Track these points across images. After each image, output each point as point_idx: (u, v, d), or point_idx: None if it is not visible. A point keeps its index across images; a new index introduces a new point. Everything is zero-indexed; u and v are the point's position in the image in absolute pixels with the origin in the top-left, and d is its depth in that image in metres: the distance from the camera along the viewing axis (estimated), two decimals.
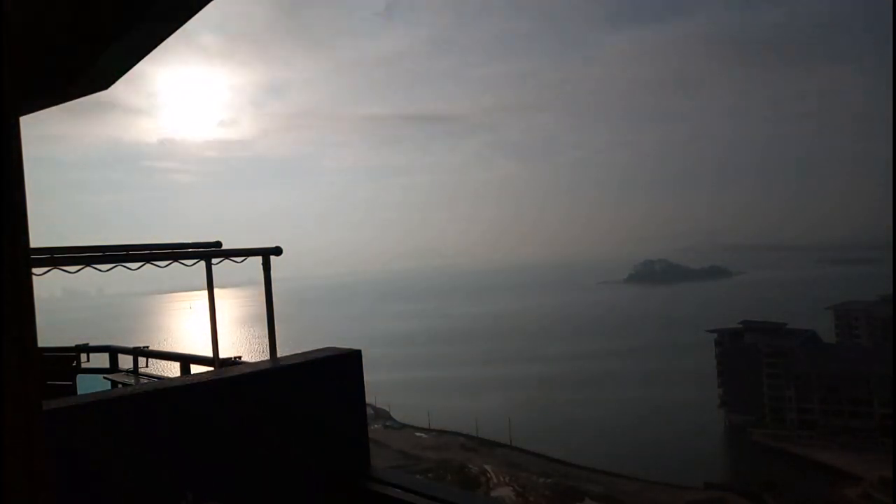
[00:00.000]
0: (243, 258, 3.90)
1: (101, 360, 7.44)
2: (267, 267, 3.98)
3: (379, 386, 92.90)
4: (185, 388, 3.14)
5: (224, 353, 4.43)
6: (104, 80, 4.04)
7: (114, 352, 7.42)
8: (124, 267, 3.52)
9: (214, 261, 3.82)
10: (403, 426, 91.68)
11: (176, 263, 3.73)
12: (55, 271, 3.23)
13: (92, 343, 7.59)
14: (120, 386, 5.71)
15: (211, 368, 3.80)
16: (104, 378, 6.78)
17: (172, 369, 6.35)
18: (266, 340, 4.08)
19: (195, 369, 5.70)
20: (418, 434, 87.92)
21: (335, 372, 3.78)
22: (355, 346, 3.95)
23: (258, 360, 3.97)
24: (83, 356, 7.28)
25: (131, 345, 7.20)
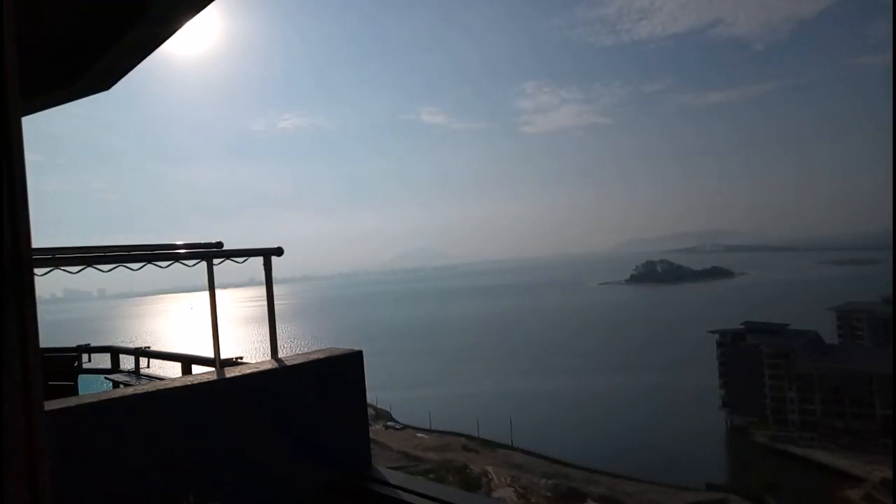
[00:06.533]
0: (244, 258, 3.89)
1: (103, 361, 7.46)
2: (268, 267, 3.97)
3: (380, 386, 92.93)
4: (187, 389, 3.13)
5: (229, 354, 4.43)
6: (105, 80, 4.04)
7: (115, 352, 7.44)
8: (125, 267, 3.51)
9: (216, 261, 3.81)
10: (405, 427, 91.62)
11: (177, 264, 3.72)
12: (56, 271, 3.22)
13: (93, 343, 7.61)
14: (121, 386, 5.71)
15: (212, 369, 3.79)
16: (105, 378, 6.78)
17: (174, 370, 6.35)
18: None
19: (196, 370, 5.69)
20: (419, 435, 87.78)
21: (336, 372, 3.77)
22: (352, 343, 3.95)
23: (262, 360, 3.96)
24: (84, 356, 7.29)
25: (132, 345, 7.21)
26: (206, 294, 3.95)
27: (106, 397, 2.95)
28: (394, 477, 3.51)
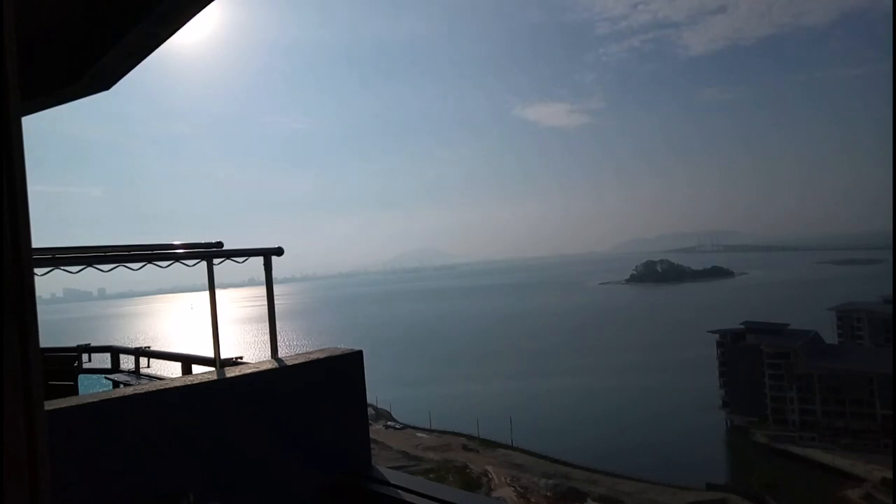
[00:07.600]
0: (245, 258, 3.89)
1: (103, 361, 7.46)
2: (268, 267, 3.97)
3: (380, 386, 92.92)
4: (187, 389, 3.14)
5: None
6: (105, 80, 4.05)
7: (115, 352, 7.43)
8: (126, 267, 3.51)
9: (216, 261, 3.81)
10: (405, 426, 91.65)
11: (177, 264, 3.72)
12: (56, 271, 3.22)
13: (93, 343, 7.61)
14: (121, 386, 5.71)
15: (212, 369, 3.80)
16: (106, 378, 6.79)
17: (174, 369, 6.35)
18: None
19: (196, 369, 5.69)
20: (420, 434, 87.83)
21: (336, 372, 3.77)
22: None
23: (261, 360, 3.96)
24: (84, 356, 7.29)
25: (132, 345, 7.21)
26: (206, 294, 3.95)
27: (106, 397, 2.95)
28: (394, 477, 3.51)
